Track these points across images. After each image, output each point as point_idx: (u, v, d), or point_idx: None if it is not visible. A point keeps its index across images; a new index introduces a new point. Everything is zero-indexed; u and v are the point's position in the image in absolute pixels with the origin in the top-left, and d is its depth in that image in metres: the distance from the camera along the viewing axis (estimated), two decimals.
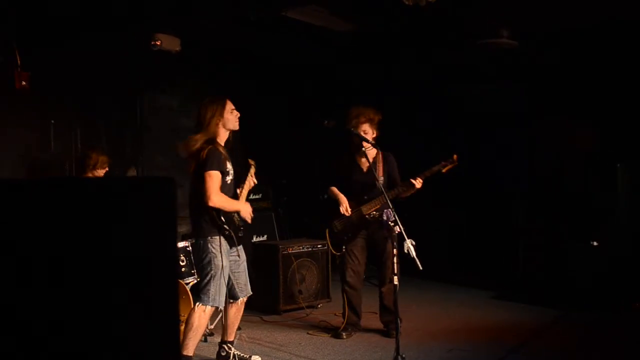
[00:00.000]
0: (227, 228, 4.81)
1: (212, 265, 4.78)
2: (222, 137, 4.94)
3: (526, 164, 8.32)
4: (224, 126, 4.91)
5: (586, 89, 7.79)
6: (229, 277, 4.99)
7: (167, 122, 8.87)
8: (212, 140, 4.84)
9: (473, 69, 8.53)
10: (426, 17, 6.84)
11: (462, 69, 8.63)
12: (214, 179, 4.71)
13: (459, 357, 5.46)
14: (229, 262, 4.93)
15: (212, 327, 6.24)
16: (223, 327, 5.29)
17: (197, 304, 4.86)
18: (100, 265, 1.53)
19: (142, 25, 7.25)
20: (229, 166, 4.93)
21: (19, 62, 6.73)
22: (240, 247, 5.08)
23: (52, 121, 7.16)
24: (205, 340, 6.01)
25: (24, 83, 6.75)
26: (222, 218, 4.81)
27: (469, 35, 7.55)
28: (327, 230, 6.12)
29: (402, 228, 4.62)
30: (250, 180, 5.18)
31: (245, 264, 5.16)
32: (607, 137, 7.61)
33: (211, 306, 4.84)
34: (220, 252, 4.79)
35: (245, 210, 4.99)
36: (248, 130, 9.61)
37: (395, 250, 4.75)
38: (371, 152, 5.89)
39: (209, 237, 4.80)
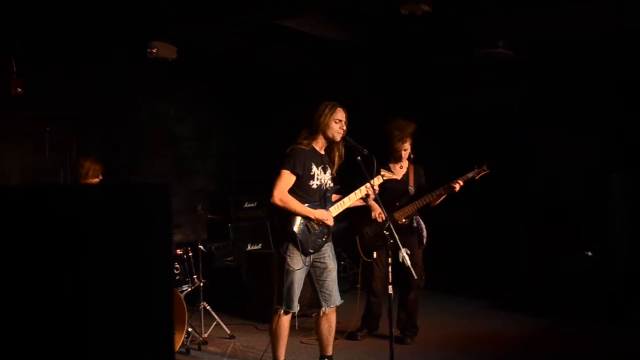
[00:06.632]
0: (293, 232, 4.68)
1: (282, 269, 4.74)
2: (320, 140, 4.87)
3: (521, 174, 8.32)
4: (324, 131, 4.82)
5: (582, 99, 7.81)
6: (314, 285, 4.92)
7: (163, 129, 8.88)
8: (307, 138, 4.83)
9: (470, 77, 8.53)
10: (424, 25, 6.87)
11: (459, 76, 8.63)
12: (282, 177, 4.69)
13: None
14: (308, 267, 4.82)
15: (205, 335, 6.21)
16: (318, 342, 5.12)
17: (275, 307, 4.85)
18: (93, 271, 1.52)
19: (138, 33, 7.25)
20: (315, 170, 4.81)
21: (14, 68, 6.73)
22: (329, 255, 4.91)
23: (47, 128, 7.15)
24: (199, 349, 5.99)
25: (19, 90, 6.75)
26: (289, 220, 4.70)
27: (465, 44, 7.59)
28: (357, 237, 6.13)
29: (397, 238, 4.61)
30: (367, 190, 4.93)
31: (334, 272, 4.94)
32: (602, 148, 7.63)
33: (282, 309, 4.77)
34: (290, 256, 4.70)
35: (321, 217, 4.77)
36: (246, 137, 9.72)
37: (390, 260, 4.74)
38: (404, 163, 6.12)
39: (281, 240, 4.78)
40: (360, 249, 6.09)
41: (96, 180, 5.98)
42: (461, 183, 5.75)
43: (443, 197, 5.87)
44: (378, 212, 5.92)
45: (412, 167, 6.14)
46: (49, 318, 1.42)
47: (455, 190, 5.75)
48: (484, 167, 5.81)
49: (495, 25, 7.24)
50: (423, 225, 6.13)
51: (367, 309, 6.29)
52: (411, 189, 6.05)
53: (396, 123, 6.00)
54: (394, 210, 5.90)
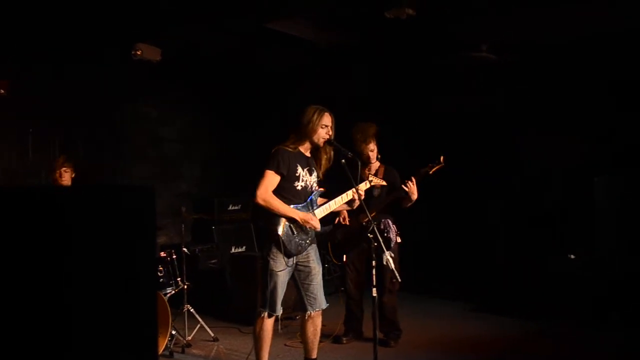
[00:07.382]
0: (277, 234, 4.62)
1: (266, 272, 4.69)
2: (306, 144, 4.84)
3: (505, 177, 8.36)
4: (310, 135, 4.79)
5: (569, 100, 7.84)
6: (299, 288, 4.89)
7: (146, 131, 8.84)
8: (294, 142, 4.81)
9: (458, 79, 8.56)
10: (408, 29, 6.88)
11: (448, 78, 8.66)
12: (267, 177, 4.65)
13: None
14: (293, 270, 4.78)
15: (189, 338, 6.19)
16: (303, 345, 5.09)
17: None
18: (69, 271, 1.51)
19: (124, 34, 7.22)
20: (301, 171, 4.78)
21: None
22: (314, 258, 4.87)
23: (31, 129, 7.11)
24: (183, 352, 5.97)
25: (2, 91, 6.71)
26: (273, 221, 4.65)
27: (449, 47, 7.61)
28: (328, 240, 6.13)
29: (381, 240, 4.61)
30: (353, 195, 4.90)
31: (319, 276, 4.90)
32: (585, 152, 7.67)
33: (265, 312, 4.73)
34: (273, 258, 4.66)
35: (305, 219, 4.72)
36: (231, 140, 9.70)
37: (374, 263, 4.75)
38: (374, 164, 6.11)
39: (265, 242, 4.74)
40: (330, 252, 6.13)
41: (66, 172, 5.95)
42: (413, 180, 5.73)
43: (409, 201, 5.85)
44: (342, 217, 6.03)
45: (382, 169, 6.13)
46: (19, 316, 1.41)
47: (407, 188, 5.71)
48: (438, 161, 5.77)
49: (484, 26, 7.26)
50: (391, 228, 6.10)
51: (347, 311, 6.33)
52: (377, 190, 6.00)
53: (358, 127, 6.07)
54: (358, 212, 5.90)
